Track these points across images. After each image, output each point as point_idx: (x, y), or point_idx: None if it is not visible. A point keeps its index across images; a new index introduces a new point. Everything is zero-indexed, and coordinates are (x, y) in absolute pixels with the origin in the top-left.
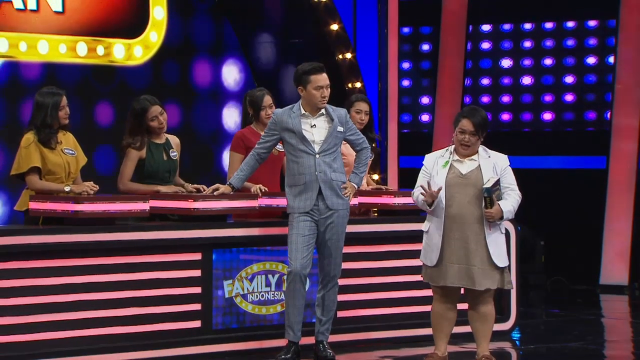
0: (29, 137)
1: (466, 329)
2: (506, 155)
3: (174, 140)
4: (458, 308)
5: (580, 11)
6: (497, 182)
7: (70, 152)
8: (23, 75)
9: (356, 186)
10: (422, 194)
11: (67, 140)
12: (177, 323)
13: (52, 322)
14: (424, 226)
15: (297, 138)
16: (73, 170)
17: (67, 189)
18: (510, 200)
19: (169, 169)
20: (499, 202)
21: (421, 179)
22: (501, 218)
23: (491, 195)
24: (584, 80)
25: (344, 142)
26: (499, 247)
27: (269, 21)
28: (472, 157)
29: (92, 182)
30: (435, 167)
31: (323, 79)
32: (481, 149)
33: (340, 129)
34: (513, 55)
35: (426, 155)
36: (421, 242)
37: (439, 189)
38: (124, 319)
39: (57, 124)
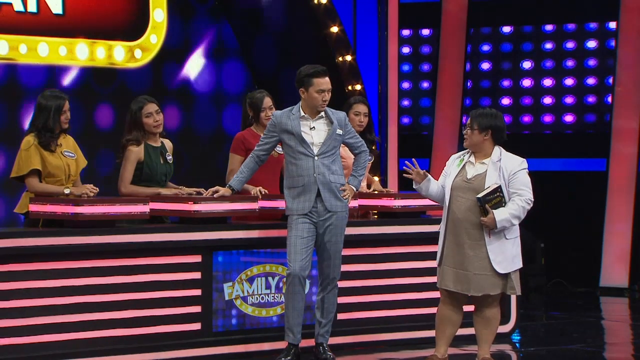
0: (29, 139)
1: (466, 331)
2: (523, 159)
3: (168, 144)
4: (464, 311)
5: (580, 13)
6: (497, 190)
7: (70, 154)
8: (23, 77)
9: (355, 189)
10: (405, 169)
11: (67, 143)
12: (177, 325)
13: (52, 324)
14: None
15: (296, 140)
16: (73, 172)
17: (66, 191)
18: (510, 208)
19: (166, 173)
20: (496, 211)
21: (440, 178)
22: (496, 227)
23: (483, 204)
24: (584, 83)
25: (342, 145)
26: (503, 254)
27: (269, 23)
28: (484, 160)
29: (92, 185)
30: (452, 166)
31: (325, 82)
32: (496, 152)
33: (339, 131)
34: (513, 57)
35: (452, 156)
36: (420, 244)
37: (426, 174)
38: (124, 321)
39: (58, 128)
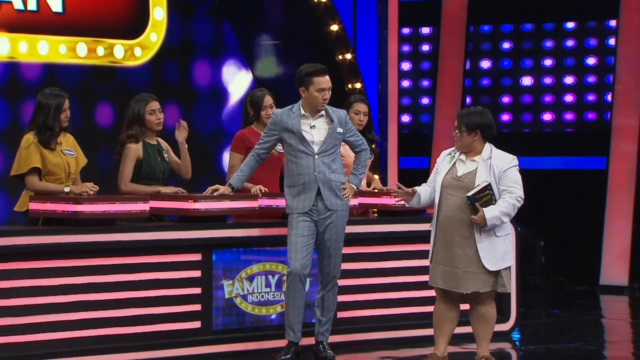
0: (29, 137)
1: (466, 329)
2: (513, 157)
3: (164, 143)
4: (461, 309)
5: (580, 12)
6: (487, 187)
7: (70, 152)
8: (23, 76)
9: (355, 187)
10: (395, 195)
11: (67, 141)
12: (177, 324)
13: (51, 322)
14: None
15: (297, 138)
16: (73, 170)
17: (66, 189)
18: (500, 206)
19: (163, 170)
20: (486, 209)
21: (431, 176)
22: (486, 225)
23: (473, 202)
24: (584, 81)
25: (343, 143)
26: (493, 251)
27: (269, 21)
28: (475, 157)
29: (92, 183)
30: (442, 163)
31: (326, 81)
32: (487, 149)
33: (339, 130)
34: (513, 56)
35: (442, 152)
36: (420, 242)
37: (414, 190)
38: (124, 319)
39: (58, 126)
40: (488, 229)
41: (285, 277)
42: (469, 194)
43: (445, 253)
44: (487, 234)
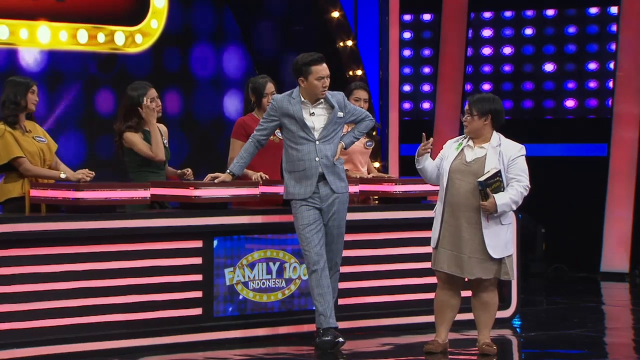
0: (1, 127)
1: (467, 316)
2: (521, 146)
3: (162, 128)
4: (462, 296)
5: None
6: (497, 174)
7: (41, 139)
8: (23, 62)
9: (344, 145)
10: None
11: (36, 129)
12: (178, 310)
13: (52, 309)
14: (434, 208)
15: (298, 125)
16: (47, 157)
17: (62, 175)
18: (510, 193)
19: (165, 155)
20: (496, 195)
21: (435, 161)
22: (496, 211)
23: (484, 188)
24: (585, 68)
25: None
26: (497, 238)
27: (270, 8)
28: (483, 144)
29: (87, 169)
30: (449, 149)
31: (324, 69)
32: (495, 137)
33: (340, 114)
34: (514, 42)
35: (448, 140)
36: (421, 229)
37: (431, 142)
38: (125, 306)
39: (23, 102)
40: (496, 216)
41: (285, 265)
42: (481, 179)
43: (453, 238)
44: (493, 221)
